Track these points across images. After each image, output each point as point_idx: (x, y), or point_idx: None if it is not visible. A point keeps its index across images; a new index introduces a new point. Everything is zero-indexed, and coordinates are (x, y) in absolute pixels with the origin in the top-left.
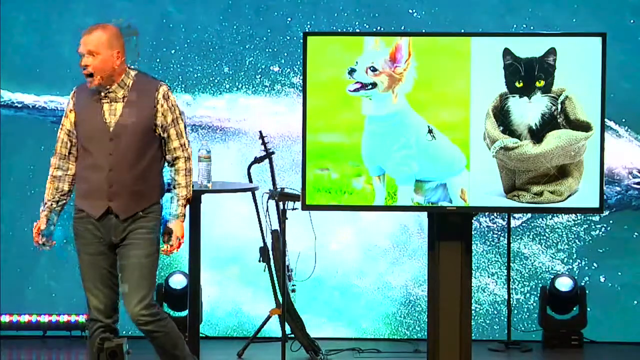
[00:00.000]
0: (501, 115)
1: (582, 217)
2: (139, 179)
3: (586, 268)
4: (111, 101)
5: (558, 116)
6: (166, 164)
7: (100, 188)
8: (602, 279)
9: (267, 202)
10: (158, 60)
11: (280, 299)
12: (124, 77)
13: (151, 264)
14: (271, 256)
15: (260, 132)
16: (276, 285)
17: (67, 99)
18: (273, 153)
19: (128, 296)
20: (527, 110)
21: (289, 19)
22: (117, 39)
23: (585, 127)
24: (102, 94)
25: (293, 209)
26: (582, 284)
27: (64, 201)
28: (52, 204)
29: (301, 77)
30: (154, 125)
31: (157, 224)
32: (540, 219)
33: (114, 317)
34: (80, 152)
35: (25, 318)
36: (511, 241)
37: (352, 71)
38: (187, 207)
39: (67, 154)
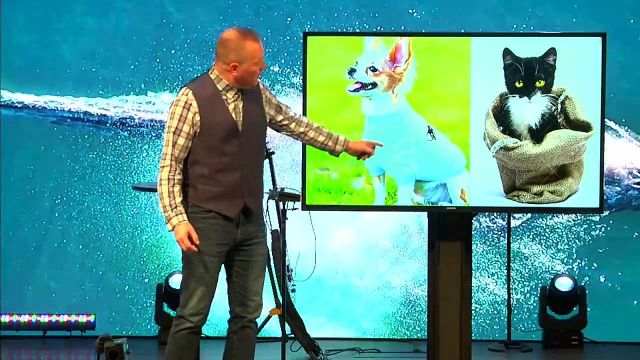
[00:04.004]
0: (501, 115)
1: (582, 217)
2: (261, 173)
3: (586, 268)
4: (235, 101)
5: (558, 116)
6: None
7: (236, 187)
8: (602, 279)
9: (267, 202)
10: (158, 60)
11: (280, 299)
12: None
13: None
14: (271, 256)
15: None
16: (276, 285)
17: (68, 98)
18: (273, 153)
19: (253, 293)
20: (527, 110)
21: (289, 19)
22: None
23: (585, 127)
24: (230, 95)
25: (293, 209)
26: (582, 284)
27: None
28: (183, 207)
29: (301, 77)
30: (266, 118)
31: None
32: (540, 219)
33: (205, 320)
34: (205, 155)
35: (25, 318)
36: (511, 241)
37: (352, 71)
38: None
39: (182, 159)
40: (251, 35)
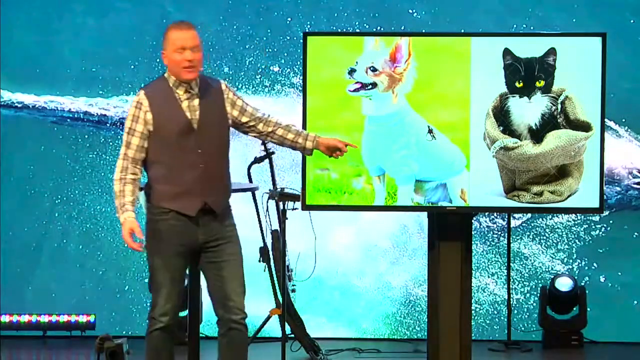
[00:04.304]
0: (501, 115)
1: (582, 217)
2: (224, 173)
3: (586, 268)
4: (188, 98)
5: (558, 116)
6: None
7: (194, 185)
8: (602, 279)
9: (267, 202)
10: (158, 60)
11: (280, 299)
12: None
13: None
14: (271, 256)
15: None
16: (276, 285)
17: (68, 98)
18: (273, 153)
19: (231, 293)
20: (527, 110)
21: (289, 19)
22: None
23: (585, 127)
24: (181, 91)
25: (293, 209)
26: (582, 284)
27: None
28: (133, 205)
29: (301, 77)
30: (228, 118)
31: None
32: (540, 219)
33: (175, 319)
34: (161, 154)
35: (25, 318)
36: (511, 241)
37: (352, 71)
38: None
39: (139, 159)
40: (176, 24)
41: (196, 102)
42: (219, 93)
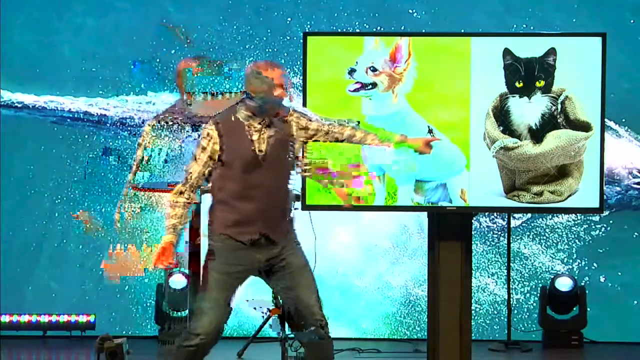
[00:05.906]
0: (501, 115)
1: (582, 217)
2: (286, 200)
3: (586, 268)
4: (258, 130)
5: (558, 116)
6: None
7: (253, 216)
8: (602, 279)
9: None
10: (158, 60)
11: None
12: None
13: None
14: None
15: None
16: None
17: (68, 98)
18: None
19: (310, 299)
20: (527, 110)
21: (289, 19)
22: None
23: (585, 127)
24: (254, 123)
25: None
26: (582, 284)
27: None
28: (179, 230)
29: (301, 77)
30: (294, 144)
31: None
32: (540, 219)
33: (214, 342)
34: (226, 183)
35: (25, 318)
36: (511, 241)
37: (352, 71)
38: None
39: (198, 186)
40: (270, 62)
41: (266, 134)
42: (287, 122)
